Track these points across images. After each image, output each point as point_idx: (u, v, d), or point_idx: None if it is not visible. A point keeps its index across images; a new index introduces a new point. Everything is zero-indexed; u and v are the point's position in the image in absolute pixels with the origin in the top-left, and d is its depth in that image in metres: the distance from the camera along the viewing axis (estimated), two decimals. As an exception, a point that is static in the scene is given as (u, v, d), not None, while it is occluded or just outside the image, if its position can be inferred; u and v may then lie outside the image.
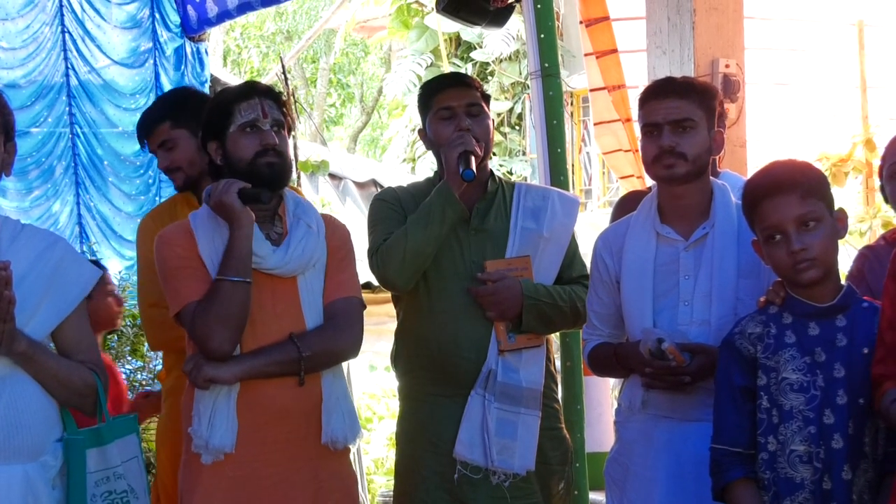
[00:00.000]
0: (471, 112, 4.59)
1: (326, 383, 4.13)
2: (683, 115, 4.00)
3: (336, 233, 4.27)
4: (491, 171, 4.74)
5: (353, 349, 4.20)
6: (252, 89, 4.17)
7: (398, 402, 4.83)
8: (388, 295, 4.89)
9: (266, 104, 4.11)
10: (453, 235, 4.58)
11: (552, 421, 4.68)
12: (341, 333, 4.13)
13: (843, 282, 3.72)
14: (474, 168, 4.43)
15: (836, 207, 3.65)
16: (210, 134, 4.18)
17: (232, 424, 4.00)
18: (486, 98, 4.72)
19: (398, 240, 4.51)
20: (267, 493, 4.05)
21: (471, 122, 4.57)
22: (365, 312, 4.27)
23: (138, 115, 7.94)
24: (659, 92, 4.07)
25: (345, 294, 4.19)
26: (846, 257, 6.83)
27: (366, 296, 4.56)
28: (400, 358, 4.74)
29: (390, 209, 4.66)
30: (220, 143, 4.14)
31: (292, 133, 4.31)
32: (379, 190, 13.71)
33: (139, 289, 4.92)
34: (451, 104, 4.60)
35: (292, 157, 4.22)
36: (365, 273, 4.69)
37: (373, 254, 4.59)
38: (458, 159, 4.45)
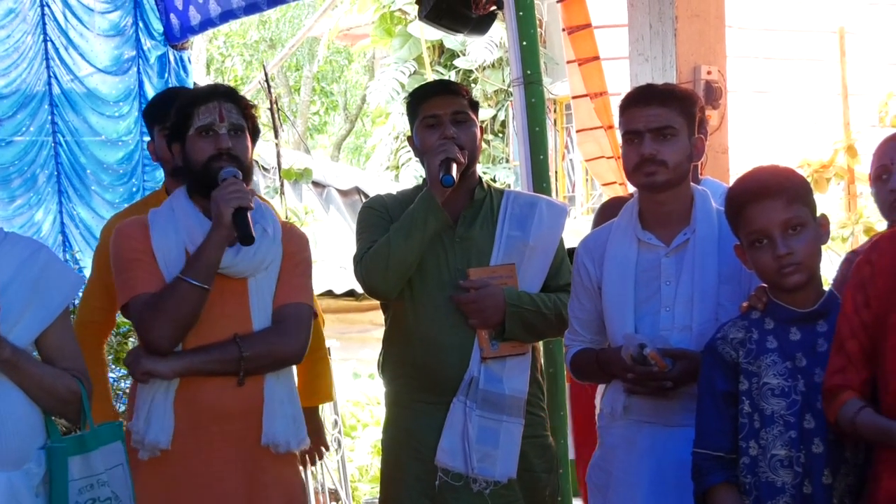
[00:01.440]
0: (457, 119, 4.59)
1: (269, 386, 4.12)
2: (664, 123, 4.01)
3: (294, 239, 4.26)
4: (479, 178, 4.74)
5: (296, 355, 4.18)
6: (212, 92, 4.17)
7: (384, 409, 4.83)
8: (372, 303, 4.91)
9: (224, 108, 4.11)
10: (438, 243, 4.58)
11: (537, 429, 4.68)
12: (285, 338, 4.12)
13: (830, 289, 3.74)
14: (455, 175, 4.43)
15: (818, 213, 3.68)
16: (174, 135, 4.20)
17: (168, 421, 4.02)
18: (475, 105, 4.72)
19: (381, 247, 4.51)
20: (202, 492, 4.05)
21: (456, 130, 4.57)
22: (349, 320, 4.28)
23: (122, 123, 7.91)
24: (640, 99, 4.08)
25: (295, 300, 4.17)
26: (829, 263, 6.85)
27: (350, 303, 4.60)
28: (386, 365, 4.75)
29: (377, 217, 4.67)
30: (182, 146, 4.16)
31: (259, 137, 4.27)
32: (362, 198, 13.75)
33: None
34: (436, 112, 4.60)
35: (250, 159, 4.17)
36: (350, 281, 4.71)
37: (357, 261, 4.59)
38: (440, 166, 4.46)
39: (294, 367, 4.30)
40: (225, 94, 4.16)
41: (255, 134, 4.23)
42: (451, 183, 4.42)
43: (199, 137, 4.11)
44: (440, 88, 4.76)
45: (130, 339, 7.24)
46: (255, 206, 4.20)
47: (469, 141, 4.59)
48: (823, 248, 3.71)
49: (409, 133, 4.76)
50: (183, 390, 4.05)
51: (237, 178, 4.05)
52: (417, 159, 4.78)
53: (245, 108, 4.17)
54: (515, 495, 4.57)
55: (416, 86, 4.97)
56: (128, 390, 7.01)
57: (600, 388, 6.21)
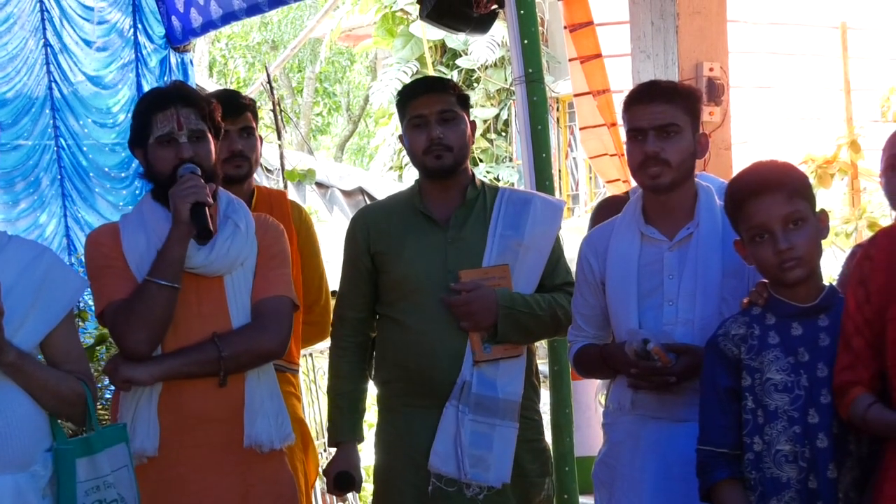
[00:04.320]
0: (443, 118, 4.55)
1: (250, 385, 4.10)
2: (668, 121, 4.00)
3: (269, 232, 4.23)
4: (472, 176, 4.69)
5: (277, 349, 4.14)
6: (168, 99, 4.10)
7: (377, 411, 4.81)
8: (377, 303, 4.88)
9: (182, 114, 4.05)
10: (430, 245, 4.56)
11: (532, 433, 4.62)
12: (264, 333, 4.09)
13: (830, 283, 3.74)
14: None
15: (818, 208, 3.68)
16: (135, 141, 4.16)
17: (153, 428, 4.01)
18: (464, 100, 4.67)
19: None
20: (192, 497, 4.04)
21: (443, 130, 4.53)
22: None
23: (117, 130, 7.91)
24: (643, 96, 4.07)
25: (273, 293, 4.14)
26: (832, 259, 6.84)
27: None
28: (378, 368, 4.71)
29: (351, 259, 4.72)
30: (144, 152, 4.12)
31: (221, 131, 4.25)
32: (366, 198, 13.74)
33: None
34: (422, 112, 4.57)
35: (215, 161, 4.13)
36: (336, 282, 4.73)
37: (334, 311, 4.73)
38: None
39: (272, 364, 4.24)
40: (182, 99, 4.10)
41: (217, 131, 4.18)
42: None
43: (159, 147, 4.06)
44: (426, 87, 4.71)
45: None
46: (228, 201, 4.18)
47: (457, 139, 4.56)
48: (828, 244, 3.71)
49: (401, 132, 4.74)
50: (166, 395, 4.03)
51: (195, 174, 4.00)
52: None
53: (203, 110, 4.12)
54: (509, 501, 4.52)
55: (402, 86, 4.96)
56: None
57: (597, 385, 6.21)
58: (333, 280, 4.95)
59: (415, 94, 4.65)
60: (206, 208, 3.97)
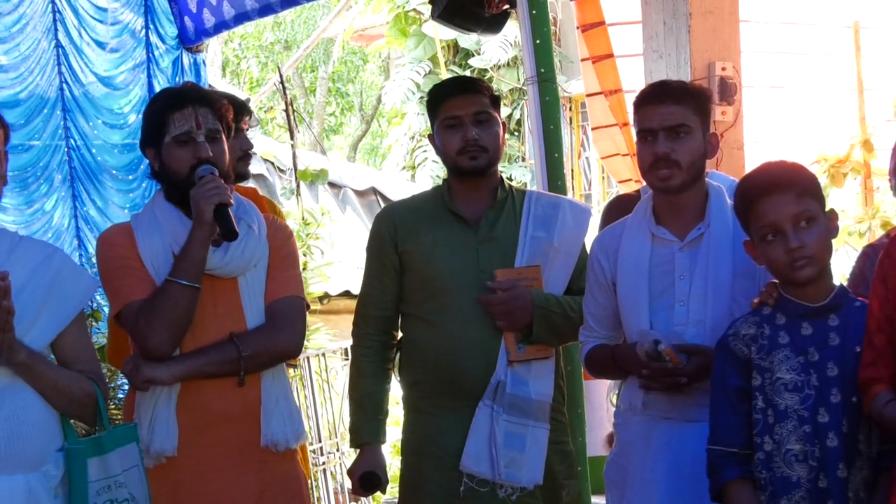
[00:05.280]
0: (478, 119, 4.55)
1: (266, 385, 4.13)
2: (679, 121, 4.00)
3: (278, 233, 4.25)
4: (501, 177, 4.69)
5: (294, 349, 4.20)
6: (185, 98, 4.11)
7: (402, 412, 4.80)
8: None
9: (200, 114, 4.07)
10: (460, 244, 4.56)
11: (559, 434, 4.63)
12: (281, 333, 4.13)
13: (842, 282, 3.74)
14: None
15: (827, 208, 3.68)
16: (147, 140, 4.16)
17: (172, 428, 4.03)
18: (496, 101, 4.67)
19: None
20: (211, 497, 4.06)
21: (478, 131, 4.53)
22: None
23: (127, 131, 7.95)
24: (653, 97, 4.07)
25: (286, 293, 4.17)
26: (846, 258, 6.83)
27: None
28: (405, 369, 4.69)
29: (376, 256, 4.67)
30: (157, 151, 4.12)
31: (232, 132, 4.27)
32: (378, 198, 13.73)
33: None
34: (457, 113, 4.56)
35: (230, 162, 4.17)
36: (348, 281, 4.73)
37: (356, 310, 4.69)
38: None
39: (285, 365, 4.28)
40: (200, 99, 4.12)
41: (230, 131, 4.20)
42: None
43: (176, 146, 4.07)
44: (460, 88, 4.69)
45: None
46: (239, 203, 4.19)
47: (492, 141, 4.56)
48: (841, 243, 3.72)
49: (427, 131, 4.73)
50: (184, 396, 4.05)
51: (214, 174, 4.02)
52: (434, 160, 4.75)
53: (219, 110, 4.14)
54: (538, 503, 4.53)
55: (433, 85, 4.94)
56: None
57: (608, 384, 6.21)
58: (345, 280, 4.95)
59: (448, 94, 4.65)
60: (229, 209, 3.98)
